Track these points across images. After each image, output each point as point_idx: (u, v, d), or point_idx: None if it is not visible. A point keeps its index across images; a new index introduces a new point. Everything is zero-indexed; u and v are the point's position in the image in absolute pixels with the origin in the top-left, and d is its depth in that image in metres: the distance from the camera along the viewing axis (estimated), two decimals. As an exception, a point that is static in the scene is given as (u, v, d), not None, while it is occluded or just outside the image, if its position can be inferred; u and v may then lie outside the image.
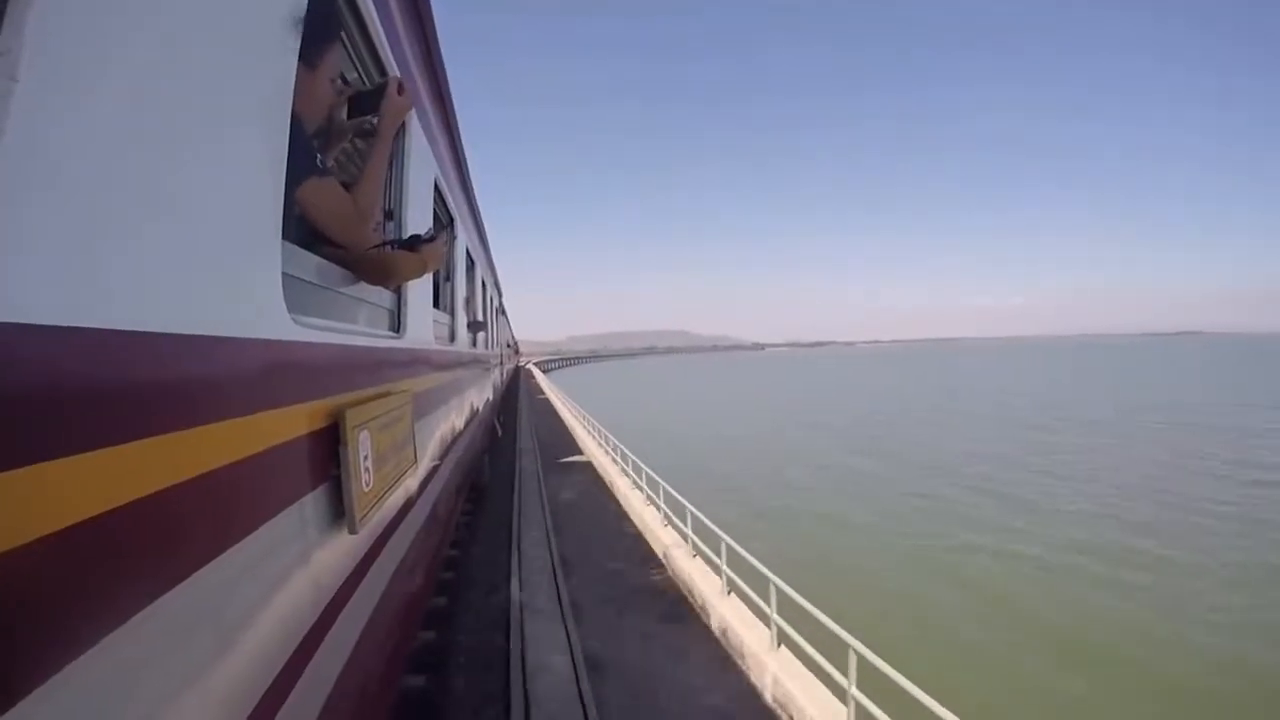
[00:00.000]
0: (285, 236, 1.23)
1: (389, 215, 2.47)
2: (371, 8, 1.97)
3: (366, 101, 1.90)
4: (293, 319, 1.23)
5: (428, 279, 3.07)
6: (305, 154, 1.42)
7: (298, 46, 1.25)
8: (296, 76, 1.48)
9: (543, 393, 40.08)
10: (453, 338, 4.36)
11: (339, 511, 1.46)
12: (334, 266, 1.66)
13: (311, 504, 1.32)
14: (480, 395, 6.87)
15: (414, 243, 2.09)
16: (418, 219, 2.74)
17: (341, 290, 1.75)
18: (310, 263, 1.51)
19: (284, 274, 1.21)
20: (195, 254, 0.90)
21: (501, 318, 15.26)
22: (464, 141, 4.94)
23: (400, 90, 1.90)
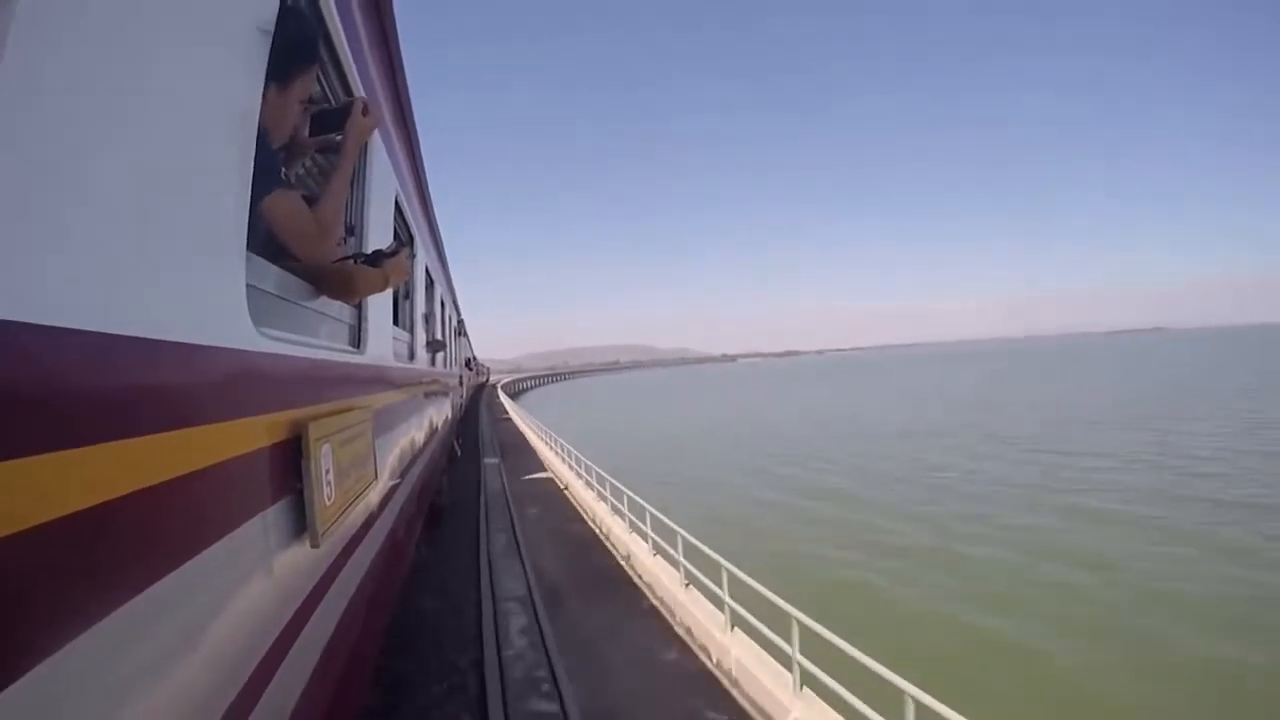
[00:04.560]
0: (250, 248, 1.25)
1: (350, 230, 2.48)
2: (339, 27, 2.00)
3: (331, 119, 1.91)
4: (257, 330, 1.24)
5: (388, 296, 3.06)
6: (271, 169, 1.44)
7: (265, 63, 1.28)
8: (267, 94, 1.50)
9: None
10: (412, 356, 4.32)
11: (301, 525, 1.46)
12: (297, 279, 1.67)
13: (274, 516, 1.31)
14: (439, 415, 6.78)
15: (376, 258, 2.10)
16: (379, 235, 2.74)
17: (304, 304, 1.75)
18: (274, 275, 1.51)
19: (248, 285, 1.22)
20: (160, 260, 0.91)
21: (461, 338, 15.04)
22: (425, 160, 4.95)
23: (365, 111, 1.93)
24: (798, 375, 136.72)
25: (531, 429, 28.57)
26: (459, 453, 14.33)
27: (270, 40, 1.29)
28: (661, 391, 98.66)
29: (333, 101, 2.25)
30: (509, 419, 37.14)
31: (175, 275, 0.95)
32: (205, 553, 0.99)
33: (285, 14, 1.35)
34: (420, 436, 4.63)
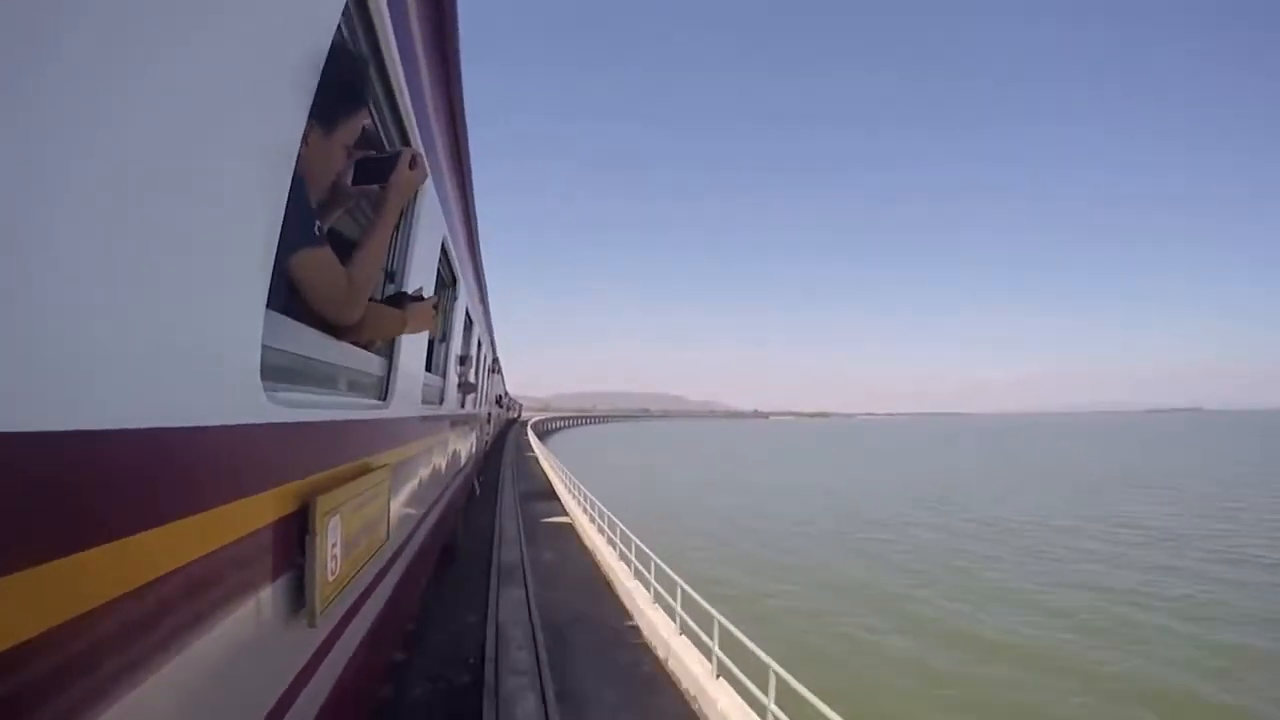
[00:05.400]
0: (270, 305, 1.13)
1: (390, 276, 2.40)
2: (401, 74, 1.93)
3: (375, 169, 1.76)
4: (268, 397, 1.12)
5: (422, 342, 2.96)
6: (304, 219, 1.33)
7: (308, 106, 1.19)
8: (310, 140, 1.40)
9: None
10: (442, 400, 4.22)
11: (298, 604, 1.32)
12: (316, 333, 1.54)
13: (269, 597, 1.18)
14: (463, 455, 6.67)
15: (399, 299, 1.99)
16: (421, 280, 2.66)
17: (325, 359, 1.64)
18: (291, 330, 1.38)
19: (264, 346, 1.10)
20: (162, 327, 0.80)
21: (494, 375, 15.09)
22: (476, 199, 4.95)
23: (413, 164, 1.77)
24: (841, 438, 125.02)
25: (596, 530, 14.06)
26: (479, 491, 14.19)
27: (317, 81, 1.19)
28: (715, 447, 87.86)
29: (387, 145, 2.16)
30: (551, 492, 21.31)
31: (179, 344, 0.83)
32: (194, 645, 0.89)
33: (334, 52, 1.26)
34: (441, 484, 4.50)
